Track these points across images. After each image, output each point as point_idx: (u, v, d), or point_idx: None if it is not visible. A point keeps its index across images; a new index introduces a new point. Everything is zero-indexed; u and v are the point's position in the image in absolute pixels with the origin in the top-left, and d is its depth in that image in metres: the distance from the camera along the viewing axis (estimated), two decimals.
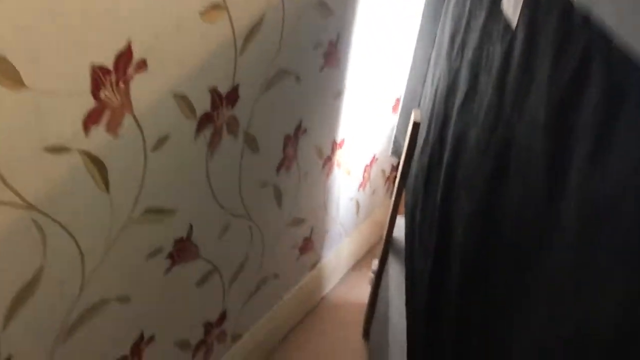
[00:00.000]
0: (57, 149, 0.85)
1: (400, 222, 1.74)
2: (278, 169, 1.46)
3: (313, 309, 2.05)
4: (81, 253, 0.96)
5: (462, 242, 0.83)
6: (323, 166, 1.70)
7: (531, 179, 0.62)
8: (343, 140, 1.75)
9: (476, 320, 0.73)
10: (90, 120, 0.87)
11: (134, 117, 0.96)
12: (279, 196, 1.52)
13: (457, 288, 0.83)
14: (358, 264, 2.33)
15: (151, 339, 1.24)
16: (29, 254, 0.87)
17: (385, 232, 1.72)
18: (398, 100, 2.02)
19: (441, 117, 1.17)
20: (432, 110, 1.30)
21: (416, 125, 1.41)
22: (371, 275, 1.84)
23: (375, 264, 1.81)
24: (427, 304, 1.02)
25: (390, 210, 1.68)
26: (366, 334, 1.94)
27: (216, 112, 1.14)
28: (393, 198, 1.61)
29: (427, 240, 1.07)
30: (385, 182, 2.31)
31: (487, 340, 0.69)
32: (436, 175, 1.10)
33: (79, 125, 0.86)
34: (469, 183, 0.83)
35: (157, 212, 1.10)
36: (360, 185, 2.05)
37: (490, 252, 0.72)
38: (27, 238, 0.85)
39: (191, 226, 1.22)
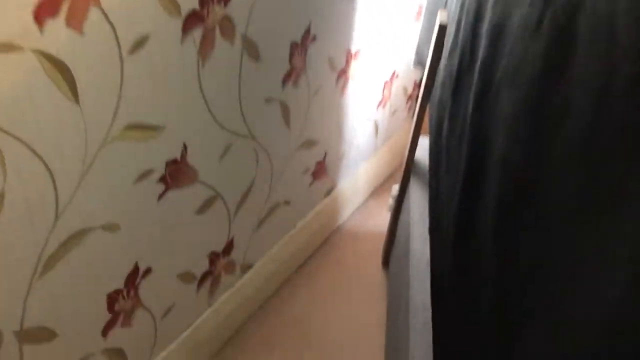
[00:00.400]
0: (5, 48, 0.69)
1: (424, 142, 1.58)
2: (284, 82, 1.29)
3: (328, 238, 1.94)
4: (52, 176, 0.83)
5: (503, 155, 0.67)
6: (336, 81, 1.52)
7: (607, 56, 0.45)
8: (359, 51, 1.56)
9: (522, 250, 0.58)
10: (43, 11, 0.71)
11: (102, 10, 0.79)
12: (286, 114, 1.36)
13: (494, 211, 0.67)
14: (376, 191, 2.19)
15: (148, 271, 1.13)
16: None
17: (406, 154, 1.57)
18: (421, 8, 1.81)
19: (473, 12, 0.98)
20: (461, 7, 1.11)
21: (442, 28, 1.21)
22: (391, 201, 1.70)
23: (395, 189, 1.67)
24: (455, 230, 0.87)
25: (412, 129, 1.51)
26: (385, 263, 1.83)
27: (206, 10, 0.96)
28: (416, 114, 1.43)
29: (456, 156, 0.91)
30: (407, 102, 2.12)
31: (537, 275, 0.54)
32: (467, 79, 0.92)
33: (29, 18, 0.70)
34: (513, 78, 0.66)
35: (141, 129, 0.95)
36: (379, 104, 1.87)
37: (542, 164, 0.56)
38: None
39: (185, 146, 1.07)
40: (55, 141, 0.81)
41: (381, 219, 2.04)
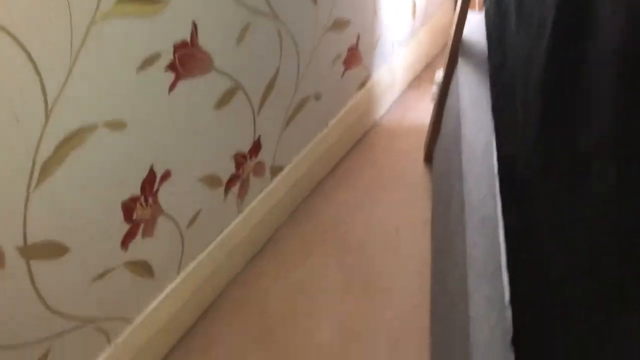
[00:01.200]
0: None
1: (473, 18, 1.36)
2: None
3: (364, 135, 1.77)
4: (35, 66, 0.67)
5: None
6: None
7: None
8: None
9: None
10: None
11: None
12: None
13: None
14: (415, 81, 1.99)
15: (166, 175, 0.99)
16: None
17: (451, 33, 1.36)
18: None
19: None
20: None
21: None
22: (434, 88, 1.51)
23: (439, 75, 1.47)
24: (542, 99, 0.70)
25: (459, 3, 1.29)
26: (428, 159, 1.67)
27: None
28: None
29: (536, 6, 0.71)
30: None
31: None
32: None
33: None
34: None
35: (139, 3, 0.78)
36: None
37: None
38: None
39: (195, 25, 0.89)
40: (34, 22, 0.65)
41: (421, 112, 1.85)
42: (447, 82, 1.44)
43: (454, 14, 1.34)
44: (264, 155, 1.29)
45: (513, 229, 0.78)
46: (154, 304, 1.12)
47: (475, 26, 1.43)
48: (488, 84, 1.25)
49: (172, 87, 0.91)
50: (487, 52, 1.30)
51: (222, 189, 1.18)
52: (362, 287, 1.36)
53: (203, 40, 0.92)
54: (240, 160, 1.20)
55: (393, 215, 1.53)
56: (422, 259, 1.41)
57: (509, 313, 0.75)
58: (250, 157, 1.23)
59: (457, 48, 1.38)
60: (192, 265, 1.19)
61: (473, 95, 1.24)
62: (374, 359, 1.22)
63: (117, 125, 0.83)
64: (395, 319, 1.29)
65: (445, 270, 1.14)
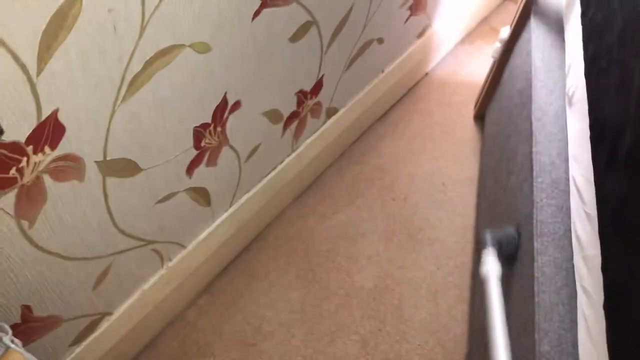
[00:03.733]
0: None
1: None
2: None
3: (415, 86, 1.74)
4: None
5: None
6: None
7: None
8: None
9: None
10: None
11: None
12: None
13: None
14: (469, 36, 1.93)
15: (236, 104, 0.98)
16: None
17: None
18: None
19: None
20: None
21: None
22: (498, 45, 1.45)
23: (505, 31, 1.42)
24: None
25: None
26: (480, 115, 1.64)
27: None
28: None
29: None
30: None
31: None
32: None
33: None
34: None
35: None
36: None
37: None
38: None
39: None
40: None
41: (474, 67, 1.81)
42: (513, 41, 1.39)
43: None
44: (323, 96, 1.26)
45: (609, 195, 0.76)
46: (206, 232, 1.12)
47: None
48: (563, 45, 1.21)
49: (257, 14, 0.88)
50: (564, 11, 1.25)
51: (281, 125, 1.17)
52: (404, 236, 1.36)
53: None
54: (301, 98, 1.17)
55: (439, 169, 1.52)
56: (466, 216, 1.41)
57: (598, 277, 0.74)
58: (311, 96, 1.21)
59: (530, 4, 1.32)
60: (244, 197, 1.19)
61: (546, 56, 1.20)
62: (411, 307, 1.24)
63: (203, 47, 0.81)
64: (437, 271, 1.30)
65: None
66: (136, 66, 0.72)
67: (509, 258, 1.00)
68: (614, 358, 0.68)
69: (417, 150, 1.56)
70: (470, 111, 1.67)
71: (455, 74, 1.80)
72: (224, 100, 0.93)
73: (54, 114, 0.66)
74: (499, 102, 1.45)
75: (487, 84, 1.55)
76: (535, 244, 0.91)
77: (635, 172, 0.69)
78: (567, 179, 0.97)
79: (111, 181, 0.81)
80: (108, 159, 0.77)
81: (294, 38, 1.01)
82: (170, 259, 1.07)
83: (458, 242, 1.36)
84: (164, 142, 0.86)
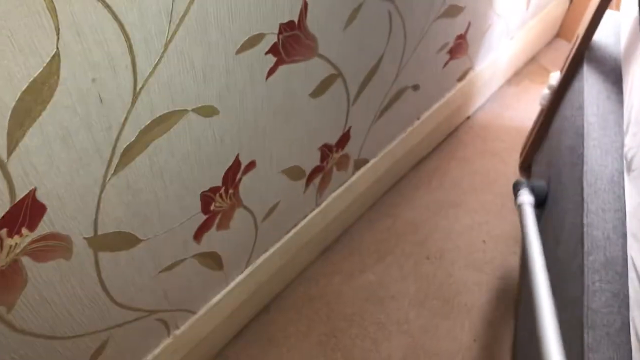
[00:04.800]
0: None
1: (607, 17, 1.18)
2: None
3: (456, 129, 1.62)
4: (125, 33, 0.57)
5: None
6: None
7: None
8: None
9: None
10: None
11: None
12: None
13: None
14: (515, 77, 1.81)
15: (251, 165, 0.90)
16: None
17: (581, 30, 1.18)
18: None
19: None
20: None
21: None
22: (546, 91, 1.33)
23: (554, 77, 1.29)
24: None
25: None
26: (525, 166, 1.50)
27: None
28: None
29: None
30: None
31: None
32: None
33: None
34: None
35: None
36: None
37: None
38: None
39: (305, 3, 0.77)
40: None
41: (520, 111, 1.68)
42: (564, 87, 1.27)
43: (569, 5, 1.16)
44: (351, 148, 1.17)
45: None
46: (219, 296, 1.04)
47: (608, 28, 1.24)
48: (621, 99, 1.08)
49: (271, 72, 0.80)
50: (621, 57, 1.13)
51: (303, 181, 1.08)
52: (438, 301, 1.24)
53: (311, 21, 0.80)
54: (326, 152, 1.09)
55: (479, 225, 1.40)
56: (508, 279, 1.28)
57: None
58: (337, 150, 1.12)
59: (583, 50, 1.20)
60: (262, 258, 1.10)
61: (601, 110, 1.08)
62: None
63: (208, 112, 0.74)
64: (474, 343, 1.17)
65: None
66: (129, 136, 0.65)
67: (539, 205, 1.09)
68: None
69: (455, 203, 1.44)
70: (515, 160, 1.54)
71: (500, 118, 1.67)
72: (237, 162, 0.86)
73: (31, 193, 0.59)
74: (548, 154, 1.32)
75: (534, 133, 1.42)
76: (586, 338, 0.78)
77: None
78: (625, 260, 0.84)
79: (105, 255, 0.73)
80: (100, 234, 0.70)
81: (316, 93, 0.93)
82: (177, 327, 0.99)
83: (498, 309, 1.23)
84: (167, 211, 0.79)
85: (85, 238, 0.69)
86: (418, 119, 1.38)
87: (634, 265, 0.80)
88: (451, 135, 1.61)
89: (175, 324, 0.98)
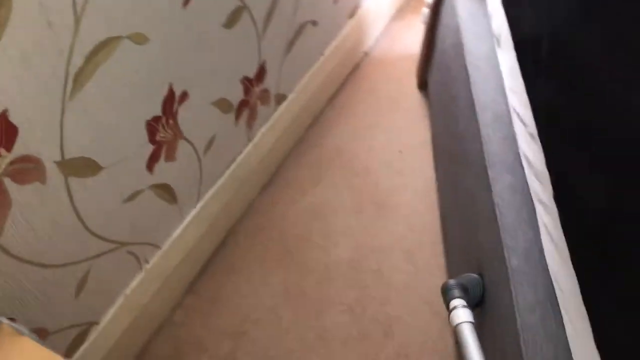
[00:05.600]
0: None
1: None
2: None
3: (357, 66, 1.79)
4: None
5: None
6: None
7: None
8: None
9: None
10: None
11: None
12: None
13: None
14: (399, 13, 2.00)
15: (184, 95, 1.00)
16: None
17: None
18: None
19: None
20: None
21: None
22: (425, 10, 1.52)
23: None
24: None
25: None
26: (422, 83, 1.70)
27: None
28: None
29: None
30: None
31: None
32: None
33: None
34: None
35: None
36: None
37: None
38: None
39: None
40: None
41: (408, 41, 1.88)
42: (438, 2, 1.46)
43: None
44: (269, 82, 1.29)
45: (541, 101, 0.82)
46: (178, 230, 1.14)
47: None
48: None
49: (187, 1, 0.91)
50: None
51: (233, 115, 1.19)
52: (372, 206, 1.40)
53: None
54: (247, 85, 1.21)
55: (393, 139, 1.57)
56: (426, 176, 1.46)
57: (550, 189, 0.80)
58: (257, 83, 1.24)
59: None
60: (210, 192, 1.21)
61: (469, 6, 1.27)
62: (390, 270, 1.27)
63: (140, 38, 0.84)
64: (409, 232, 1.34)
65: (459, 173, 1.18)
66: (78, 60, 0.74)
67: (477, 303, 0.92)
68: (572, 249, 0.73)
69: (370, 125, 1.61)
70: (412, 81, 1.73)
71: (393, 50, 1.86)
72: (171, 92, 0.96)
73: (4, 114, 0.67)
74: (438, 64, 1.51)
75: (423, 51, 1.61)
76: (490, 173, 0.96)
77: (557, 74, 0.75)
78: (509, 111, 1.03)
79: (74, 181, 0.82)
80: (66, 158, 0.79)
81: (228, 24, 1.05)
82: (147, 261, 1.08)
83: (423, 202, 1.40)
84: (120, 138, 0.88)
85: (55, 162, 0.77)
86: (322, 54, 1.53)
87: (515, 110, 0.99)
88: (354, 70, 1.78)
89: (145, 258, 1.07)
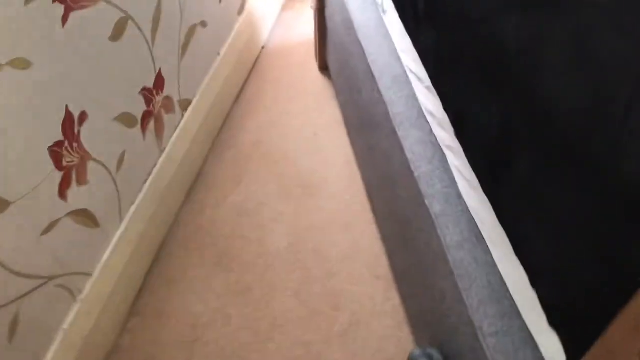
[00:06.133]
0: None
1: None
2: None
3: (258, 59, 1.80)
4: None
5: None
6: None
7: None
8: None
9: None
10: None
11: None
12: None
13: None
14: (288, 3, 2.03)
15: (83, 116, 0.97)
16: None
17: None
18: None
19: None
20: None
21: None
22: None
23: None
24: None
25: None
26: (322, 65, 1.73)
27: None
28: None
29: None
30: None
31: None
32: None
33: None
34: None
35: None
36: None
37: None
38: None
39: None
40: None
41: (301, 28, 1.91)
42: None
43: None
44: (170, 89, 1.28)
45: (427, 48, 0.87)
46: (107, 253, 1.11)
47: None
48: None
49: (65, 19, 0.88)
50: None
51: (138, 127, 1.17)
52: (298, 189, 1.42)
53: None
54: (148, 95, 1.19)
55: (306, 123, 1.59)
56: (345, 151, 1.50)
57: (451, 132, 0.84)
58: (157, 92, 1.23)
59: None
60: (132, 209, 1.18)
61: None
62: (328, 246, 1.30)
63: (22, 64, 0.81)
64: (338, 206, 1.37)
65: (373, 139, 1.22)
66: None
67: None
68: (481, 180, 0.78)
69: (281, 114, 1.63)
70: (314, 65, 1.77)
71: (289, 39, 1.89)
72: (68, 114, 0.93)
73: None
74: (333, 43, 1.55)
75: (317, 34, 1.65)
76: (399, 132, 1.01)
77: (436, 25, 0.80)
78: (405, 71, 1.08)
79: None
80: None
81: (115, 37, 1.03)
82: (80, 291, 1.05)
83: (345, 176, 1.44)
84: (23, 170, 0.85)
85: None
86: (219, 54, 1.53)
87: (409, 69, 1.04)
88: (255, 64, 1.79)
89: (77, 288, 1.03)
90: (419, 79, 1.00)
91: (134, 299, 1.22)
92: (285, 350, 1.14)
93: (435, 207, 0.90)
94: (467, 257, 0.84)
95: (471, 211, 0.85)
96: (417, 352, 0.93)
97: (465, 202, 0.88)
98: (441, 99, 0.86)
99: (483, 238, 0.83)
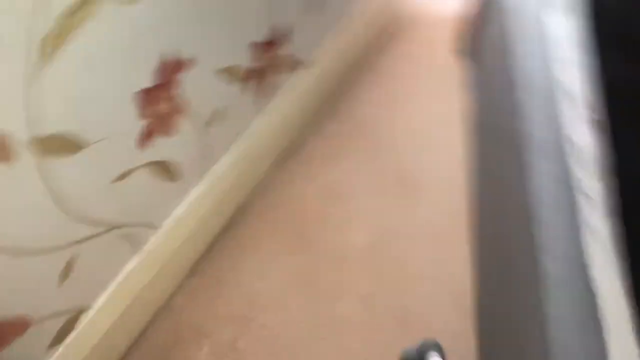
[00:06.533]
0: None
1: None
2: None
3: (389, 27, 1.64)
4: None
5: None
6: None
7: None
8: None
9: None
10: None
11: None
12: None
13: None
14: None
15: (182, 63, 0.89)
16: None
17: None
18: None
19: None
20: None
21: None
22: None
23: None
24: None
25: None
26: (464, 50, 1.54)
27: None
28: None
29: None
30: None
31: None
32: None
33: None
34: None
35: None
36: None
37: None
38: None
39: None
40: None
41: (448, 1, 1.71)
42: None
43: None
44: (282, 46, 1.17)
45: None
46: (179, 209, 1.05)
47: None
48: None
49: None
50: None
51: (239, 84, 1.08)
52: (395, 186, 1.28)
53: None
54: (257, 50, 1.09)
55: (423, 111, 1.43)
56: (459, 155, 1.32)
57: None
58: (268, 48, 1.12)
59: None
60: (216, 167, 1.11)
61: None
62: (411, 257, 1.16)
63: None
64: (433, 216, 1.22)
65: (501, 155, 1.05)
66: (44, 25, 0.64)
67: None
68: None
69: (397, 94, 1.47)
70: (449, 46, 1.57)
71: (430, 13, 1.70)
72: (168, 59, 0.85)
73: None
74: (489, 28, 1.35)
75: (473, 14, 1.45)
76: (532, 159, 0.83)
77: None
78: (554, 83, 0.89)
79: (49, 162, 0.73)
80: (36, 135, 0.69)
81: None
82: (143, 243, 1.00)
83: (451, 184, 1.28)
84: (103, 112, 0.78)
85: (22, 140, 0.68)
86: (348, 16, 1.39)
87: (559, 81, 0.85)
88: (385, 32, 1.63)
89: (140, 240, 0.99)
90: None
91: (198, 259, 1.17)
92: (334, 356, 1.04)
93: (550, 268, 0.73)
94: (572, 341, 0.68)
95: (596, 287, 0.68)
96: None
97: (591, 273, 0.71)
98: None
99: (600, 323, 0.66)
